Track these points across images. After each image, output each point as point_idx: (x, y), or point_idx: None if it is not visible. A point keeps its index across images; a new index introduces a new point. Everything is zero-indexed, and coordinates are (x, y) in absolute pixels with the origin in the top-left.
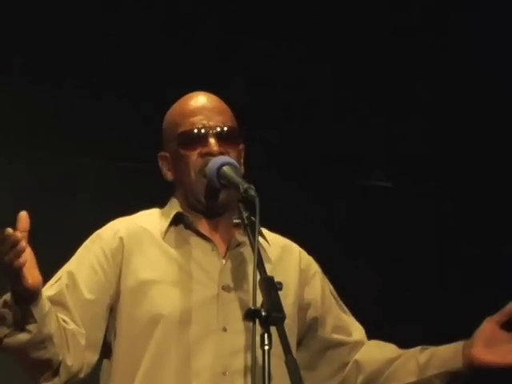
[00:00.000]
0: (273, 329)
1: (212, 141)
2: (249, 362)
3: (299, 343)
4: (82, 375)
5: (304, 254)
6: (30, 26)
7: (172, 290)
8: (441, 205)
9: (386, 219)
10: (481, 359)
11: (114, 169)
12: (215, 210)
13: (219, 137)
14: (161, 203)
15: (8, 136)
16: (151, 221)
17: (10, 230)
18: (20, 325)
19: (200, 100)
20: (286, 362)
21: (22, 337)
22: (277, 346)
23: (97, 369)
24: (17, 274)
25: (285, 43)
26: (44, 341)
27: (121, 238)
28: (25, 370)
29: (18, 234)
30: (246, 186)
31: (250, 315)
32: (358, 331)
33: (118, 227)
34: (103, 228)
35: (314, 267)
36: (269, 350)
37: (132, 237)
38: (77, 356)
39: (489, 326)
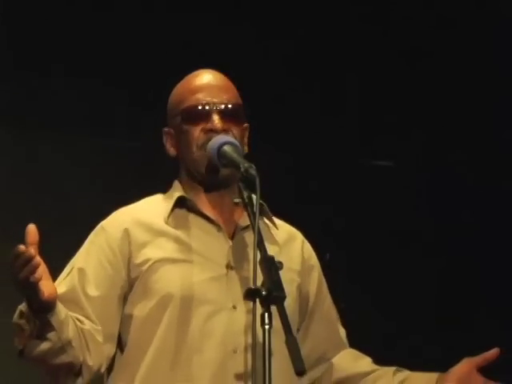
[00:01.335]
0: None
1: (215, 117)
2: (259, 339)
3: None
4: (102, 369)
5: (307, 243)
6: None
7: (181, 269)
8: (442, 185)
9: (388, 199)
10: None
11: (114, 148)
12: (215, 186)
13: (223, 114)
14: (161, 183)
15: (8, 116)
16: (154, 207)
17: (22, 247)
18: (39, 334)
19: (206, 77)
20: (287, 342)
21: (43, 346)
22: (280, 325)
23: None
24: (33, 289)
25: None
26: (63, 346)
27: (125, 229)
28: (47, 375)
29: (32, 251)
30: (246, 165)
31: (250, 294)
32: (343, 336)
33: (122, 218)
34: (106, 220)
35: (315, 260)
36: (269, 329)
37: (136, 226)
38: (96, 354)
39: (466, 366)
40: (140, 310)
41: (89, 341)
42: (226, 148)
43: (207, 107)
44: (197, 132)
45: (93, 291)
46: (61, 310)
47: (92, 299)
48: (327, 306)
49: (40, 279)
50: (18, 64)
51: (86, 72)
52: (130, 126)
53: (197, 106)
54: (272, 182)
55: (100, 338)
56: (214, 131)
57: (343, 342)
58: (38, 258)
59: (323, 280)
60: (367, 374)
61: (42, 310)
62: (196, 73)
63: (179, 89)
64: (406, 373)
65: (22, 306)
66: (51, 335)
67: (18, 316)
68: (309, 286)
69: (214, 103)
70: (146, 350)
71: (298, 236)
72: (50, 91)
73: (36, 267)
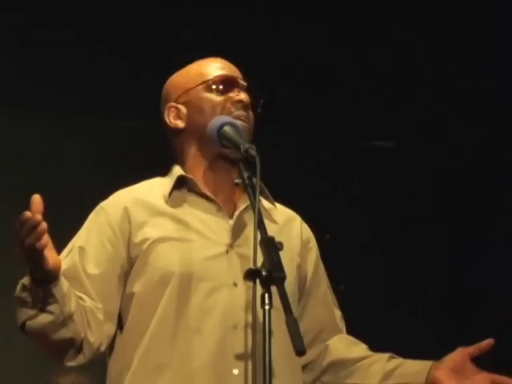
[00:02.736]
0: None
1: (242, 91)
2: (259, 317)
3: None
4: (103, 348)
5: (305, 226)
6: None
7: (181, 247)
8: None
9: (389, 179)
10: (442, 383)
11: (115, 129)
12: (223, 160)
13: (245, 92)
14: (162, 164)
15: (7, 96)
16: (154, 188)
17: (28, 214)
18: (41, 306)
19: (222, 61)
20: (287, 322)
21: (45, 318)
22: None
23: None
24: (38, 256)
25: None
26: (65, 320)
27: (125, 208)
28: (47, 352)
29: (38, 216)
30: (246, 145)
31: (251, 275)
32: (338, 318)
33: (122, 198)
34: (106, 200)
35: (313, 242)
36: (269, 309)
37: (136, 205)
38: (97, 332)
39: (460, 355)
40: (140, 288)
41: (90, 318)
42: (227, 128)
43: (235, 81)
44: (222, 101)
45: (93, 269)
46: (64, 282)
47: (92, 277)
48: (323, 289)
49: (46, 245)
50: (19, 47)
51: (87, 53)
52: (131, 106)
53: (226, 77)
54: (272, 174)
55: (101, 316)
56: (241, 102)
57: (339, 325)
58: (44, 225)
59: (320, 263)
60: (361, 359)
61: (46, 280)
62: (206, 59)
63: (195, 66)
64: (399, 360)
65: (25, 280)
66: (53, 308)
67: (20, 289)
68: (306, 267)
69: (239, 80)
70: (147, 327)
71: (297, 218)
72: (52, 73)
73: (42, 233)
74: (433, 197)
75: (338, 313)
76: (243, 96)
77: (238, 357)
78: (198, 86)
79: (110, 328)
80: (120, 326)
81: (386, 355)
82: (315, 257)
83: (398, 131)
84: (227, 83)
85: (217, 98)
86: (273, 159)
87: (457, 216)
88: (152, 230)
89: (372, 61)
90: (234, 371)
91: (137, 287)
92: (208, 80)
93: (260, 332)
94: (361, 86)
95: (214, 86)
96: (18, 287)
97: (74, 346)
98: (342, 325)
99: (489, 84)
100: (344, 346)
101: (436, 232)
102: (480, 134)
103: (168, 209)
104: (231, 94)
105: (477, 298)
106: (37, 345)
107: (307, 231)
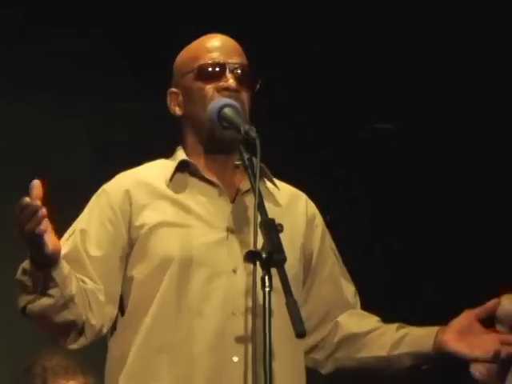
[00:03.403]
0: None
1: (230, 77)
2: (259, 301)
3: None
4: (105, 330)
5: (310, 203)
6: None
7: (181, 232)
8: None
9: (389, 179)
10: (450, 346)
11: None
12: (218, 148)
13: (237, 75)
14: (163, 147)
15: (7, 96)
16: (156, 171)
17: (28, 199)
18: (42, 290)
19: (219, 39)
20: (287, 304)
21: (45, 301)
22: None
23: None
24: (38, 241)
25: None
26: (66, 303)
27: (127, 191)
28: (49, 335)
29: (38, 202)
30: (247, 127)
31: (251, 257)
32: (349, 292)
33: (124, 180)
34: (108, 183)
35: (319, 219)
36: (269, 292)
37: (138, 188)
38: (99, 314)
39: (467, 317)
40: (140, 272)
41: (91, 300)
42: (227, 110)
43: (223, 66)
44: (210, 89)
45: (94, 251)
46: (64, 265)
47: (94, 259)
48: (330, 265)
49: (45, 231)
50: (19, 47)
51: (87, 33)
52: (132, 87)
53: (213, 64)
54: (271, 157)
55: (102, 298)
56: (228, 90)
57: (348, 301)
58: (44, 210)
59: (327, 239)
60: (371, 331)
61: (46, 264)
62: (207, 35)
63: (192, 48)
64: (408, 328)
65: (25, 264)
66: (54, 291)
67: (20, 273)
68: (312, 246)
69: (229, 63)
70: (147, 311)
71: (302, 196)
72: (51, 54)
73: (42, 218)
74: (433, 197)
75: (349, 288)
76: (231, 82)
77: (238, 343)
78: (189, 72)
79: (112, 310)
80: (121, 307)
81: (395, 325)
82: (321, 233)
83: (398, 130)
84: (216, 70)
85: (205, 87)
86: (273, 159)
87: (457, 216)
88: (152, 214)
89: (372, 61)
90: (233, 358)
91: (136, 272)
92: (199, 67)
93: (260, 315)
94: (361, 86)
95: (203, 75)
96: (19, 271)
97: (75, 328)
98: (354, 300)
99: (489, 84)
100: (354, 320)
101: (436, 232)
102: (480, 134)
103: (169, 192)
104: (219, 81)
105: (477, 298)
106: (39, 328)
107: (312, 208)
